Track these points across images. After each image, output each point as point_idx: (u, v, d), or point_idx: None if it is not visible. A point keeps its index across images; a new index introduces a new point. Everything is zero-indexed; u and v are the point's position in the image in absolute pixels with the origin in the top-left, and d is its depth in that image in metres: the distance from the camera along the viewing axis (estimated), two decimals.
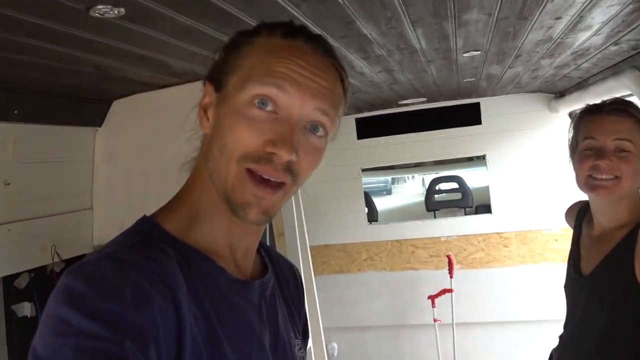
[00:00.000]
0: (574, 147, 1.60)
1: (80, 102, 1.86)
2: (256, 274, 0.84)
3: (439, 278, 3.93)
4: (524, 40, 1.88)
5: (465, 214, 4.70)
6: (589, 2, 1.41)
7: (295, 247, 2.53)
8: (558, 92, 3.71)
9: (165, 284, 0.63)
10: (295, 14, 1.28)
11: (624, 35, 1.88)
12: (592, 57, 2.36)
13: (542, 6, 1.42)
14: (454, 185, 4.86)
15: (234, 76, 0.73)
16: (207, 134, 0.76)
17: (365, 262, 4.24)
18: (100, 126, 2.05)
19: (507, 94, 3.84)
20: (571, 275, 1.67)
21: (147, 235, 0.71)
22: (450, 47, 1.88)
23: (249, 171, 0.69)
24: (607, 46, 2.09)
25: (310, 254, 3.97)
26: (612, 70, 2.49)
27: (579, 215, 1.75)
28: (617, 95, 2.42)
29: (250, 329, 0.76)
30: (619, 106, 1.47)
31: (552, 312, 3.89)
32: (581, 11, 1.50)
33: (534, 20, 1.57)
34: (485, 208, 4.23)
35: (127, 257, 0.64)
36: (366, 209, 4.29)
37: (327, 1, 1.19)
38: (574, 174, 1.57)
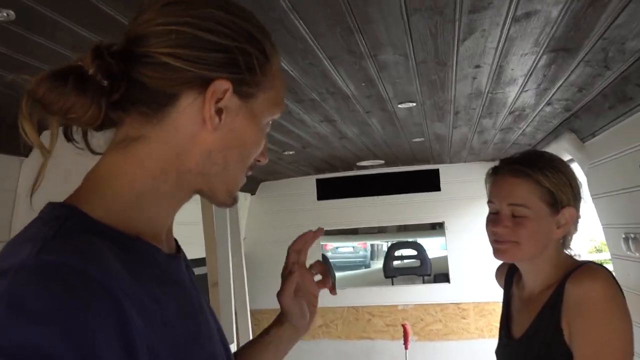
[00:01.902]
0: None
1: (4, 128, 1.81)
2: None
3: (394, 349, 3.77)
4: (455, 93, 1.91)
5: (424, 282, 4.60)
6: (502, 49, 1.44)
7: (229, 303, 2.40)
8: None
9: (108, 290, 0.56)
10: None
11: (553, 94, 1.92)
12: (532, 120, 2.41)
13: (456, 50, 1.45)
14: (413, 252, 4.79)
15: (264, 93, 0.75)
16: (206, 132, 0.71)
17: (320, 328, 4.07)
18: (27, 156, 1.99)
19: (464, 161, 3.89)
20: (502, 340, 1.58)
21: (66, 221, 0.62)
22: (381, 94, 1.90)
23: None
24: (542, 107, 2.14)
25: (262, 317, 3.85)
26: (553, 134, 2.54)
27: (509, 275, 1.69)
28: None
29: (192, 300, 0.77)
30: (518, 166, 1.41)
31: None
32: (497, 59, 1.54)
33: (453, 66, 1.60)
34: (443, 277, 4.15)
35: (51, 260, 0.55)
36: None
37: None
38: None
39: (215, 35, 0.70)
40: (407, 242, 4.84)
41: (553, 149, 2.50)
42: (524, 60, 1.55)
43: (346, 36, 1.32)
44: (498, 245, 1.42)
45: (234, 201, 0.80)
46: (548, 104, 2.07)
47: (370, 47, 1.41)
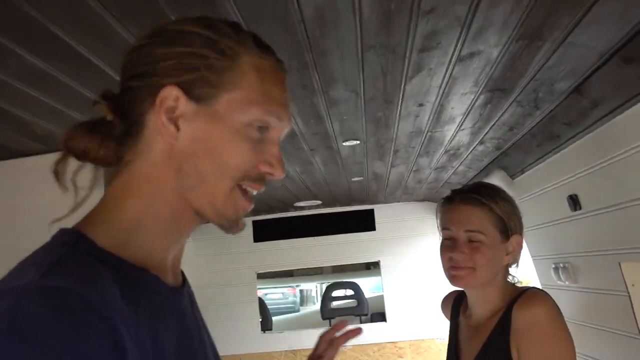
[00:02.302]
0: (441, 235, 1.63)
1: None
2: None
3: None
4: (397, 131, 2.00)
5: (361, 322, 4.61)
6: (445, 87, 1.54)
7: None
8: None
9: (106, 319, 0.56)
10: None
11: (486, 133, 2.05)
12: (464, 159, 2.54)
13: (402, 88, 1.53)
14: (350, 292, 4.81)
15: (227, 93, 0.71)
16: (172, 145, 0.71)
17: None
18: None
19: (398, 201, 4.01)
20: None
21: (72, 247, 0.63)
22: (328, 131, 1.95)
23: (240, 187, 0.71)
24: (475, 146, 2.27)
25: None
26: (484, 172, 2.69)
27: (455, 305, 1.74)
28: None
29: (191, 334, 0.75)
30: (472, 195, 1.49)
31: None
32: (440, 98, 1.63)
33: (399, 104, 1.68)
34: (380, 316, 4.18)
35: (53, 284, 0.55)
36: (260, 317, 4.09)
37: None
38: None
39: (163, 46, 0.71)
40: (344, 282, 4.85)
41: None
42: (463, 100, 1.66)
43: (302, 70, 1.36)
44: (455, 271, 1.45)
45: (228, 222, 0.72)
46: (481, 142, 2.20)
47: (323, 83, 1.46)
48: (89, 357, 0.52)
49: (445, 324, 4.05)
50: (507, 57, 1.33)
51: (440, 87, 1.53)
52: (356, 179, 2.99)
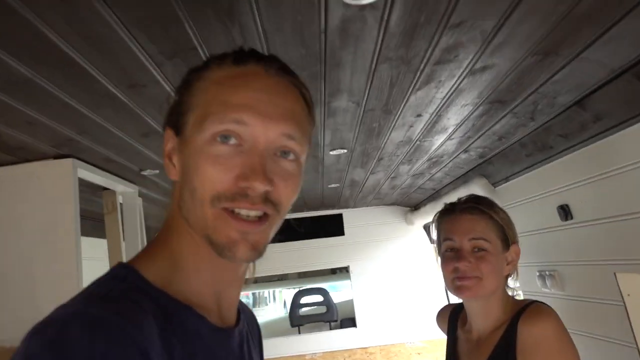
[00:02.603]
0: (438, 247, 1.60)
1: None
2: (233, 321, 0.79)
3: None
4: (387, 140, 1.95)
5: (331, 329, 4.57)
6: (447, 99, 1.50)
7: None
8: (413, 206, 3.94)
9: (139, 348, 0.56)
10: (156, 74, 1.17)
11: (473, 142, 2.04)
12: (444, 166, 2.54)
13: (406, 99, 1.48)
14: (319, 298, 4.75)
15: (190, 116, 0.70)
16: (176, 181, 0.72)
17: None
18: None
19: (367, 205, 3.99)
20: None
21: (121, 282, 0.65)
22: (318, 141, 1.88)
23: (227, 210, 0.66)
24: (458, 154, 2.26)
25: None
26: (462, 179, 2.70)
27: (452, 318, 1.72)
28: None
29: None
30: (472, 204, 1.48)
31: None
32: (439, 109, 1.59)
33: (397, 115, 1.63)
34: (350, 321, 4.14)
35: (97, 315, 0.57)
36: None
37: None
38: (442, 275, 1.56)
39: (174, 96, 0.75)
40: (313, 288, 4.79)
41: (462, 193, 2.64)
42: (461, 111, 1.63)
43: (309, 81, 1.28)
44: (461, 282, 1.43)
45: (220, 247, 0.66)
46: (465, 151, 2.20)
47: (328, 94, 1.39)
48: None
49: (416, 327, 4.08)
50: (517, 71, 1.31)
51: (444, 98, 1.50)
52: (332, 185, 2.93)
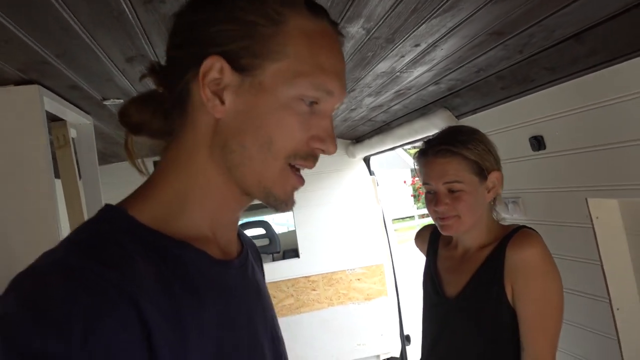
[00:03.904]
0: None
1: None
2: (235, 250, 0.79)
3: None
4: (371, 70, 1.91)
5: (274, 260, 4.63)
6: (455, 29, 1.48)
7: None
8: (355, 138, 3.97)
9: (126, 298, 0.54)
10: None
11: (449, 74, 2.05)
12: (407, 98, 2.56)
13: (417, 28, 1.44)
14: (261, 230, 4.76)
15: (273, 63, 0.65)
16: (218, 119, 0.67)
17: None
18: None
19: None
20: (432, 300, 1.67)
21: (109, 224, 0.63)
22: None
23: (292, 166, 0.68)
24: (427, 86, 2.28)
25: None
26: (419, 112, 2.74)
27: (432, 239, 1.80)
28: (426, 134, 2.66)
29: (239, 307, 0.72)
30: (444, 146, 1.53)
31: (364, 352, 4.02)
32: (440, 39, 1.57)
33: (397, 45, 1.60)
34: (293, 252, 4.22)
35: (78, 264, 0.54)
36: None
37: None
38: None
39: (203, 12, 0.66)
40: (255, 221, 4.77)
41: (422, 125, 2.70)
42: (459, 42, 1.62)
43: (336, 5, 1.20)
44: (442, 222, 1.54)
45: (278, 202, 0.70)
46: (436, 83, 2.22)
47: (346, 18, 1.31)
48: (113, 342, 0.51)
49: (357, 255, 4.25)
50: (534, 3, 1.31)
51: (453, 28, 1.47)
52: None
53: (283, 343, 0.84)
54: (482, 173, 1.54)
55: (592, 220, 1.76)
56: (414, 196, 23.35)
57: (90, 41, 1.24)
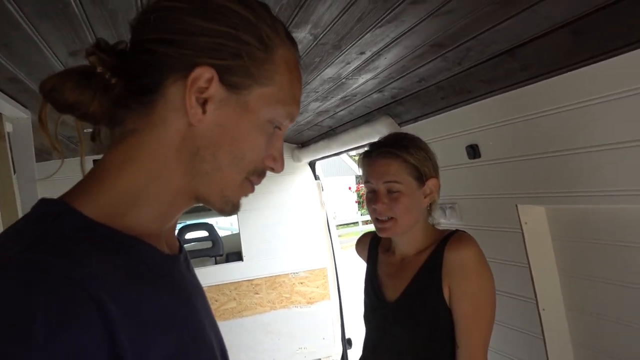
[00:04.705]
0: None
1: None
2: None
3: None
4: (318, 76, 1.96)
5: (216, 263, 4.58)
6: (398, 39, 1.55)
7: None
8: (301, 143, 4.01)
9: (89, 294, 0.53)
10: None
11: (392, 82, 2.13)
12: (352, 105, 2.62)
13: (362, 36, 1.50)
14: (204, 233, 4.70)
15: (261, 87, 0.69)
16: (191, 125, 0.68)
17: None
18: None
19: None
20: (373, 304, 1.73)
21: (55, 219, 0.60)
22: None
23: (248, 180, 0.73)
24: (372, 93, 2.35)
25: None
26: (364, 118, 2.81)
27: (372, 245, 1.86)
28: (370, 140, 2.73)
29: (190, 300, 0.73)
30: (387, 148, 1.62)
31: (305, 355, 4.05)
32: (384, 48, 1.64)
33: (343, 52, 1.65)
34: (236, 255, 4.20)
35: (34, 260, 0.53)
36: None
37: None
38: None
39: (202, 19, 0.66)
40: (199, 223, 4.69)
41: (366, 131, 2.77)
42: (402, 52, 1.69)
43: (285, 10, 1.23)
44: (380, 224, 1.61)
45: (233, 208, 0.74)
46: (380, 91, 2.29)
47: (294, 24, 1.35)
48: (77, 342, 0.51)
49: (300, 258, 4.28)
50: (471, 18, 1.39)
51: (396, 38, 1.54)
52: None
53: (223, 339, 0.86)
54: (420, 178, 1.61)
55: (521, 226, 1.87)
56: (358, 202, 23.66)
57: (33, 33, 1.22)
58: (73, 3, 1.07)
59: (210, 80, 0.66)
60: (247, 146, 0.70)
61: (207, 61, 0.65)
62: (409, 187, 1.59)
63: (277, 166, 0.75)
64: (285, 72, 0.70)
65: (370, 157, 1.65)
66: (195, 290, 0.78)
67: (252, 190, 0.75)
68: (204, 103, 0.66)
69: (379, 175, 1.59)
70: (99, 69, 0.66)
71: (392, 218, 1.59)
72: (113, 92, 0.67)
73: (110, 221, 0.64)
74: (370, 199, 1.63)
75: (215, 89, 0.66)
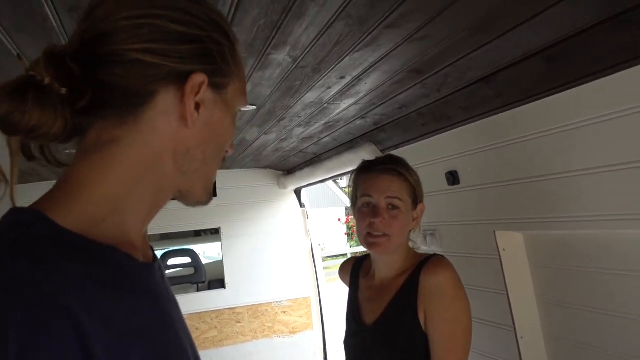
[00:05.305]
0: (354, 202, 1.71)
1: None
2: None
3: None
4: (299, 100, 1.98)
5: (198, 290, 4.50)
6: (376, 64, 1.58)
7: None
8: (287, 170, 4.02)
9: (62, 306, 0.52)
10: None
11: (374, 109, 2.16)
12: (336, 131, 2.64)
13: (340, 60, 1.52)
14: (187, 259, 4.64)
15: (234, 82, 0.74)
16: (178, 128, 0.70)
17: None
18: None
19: (242, 167, 3.98)
20: (352, 329, 1.71)
21: (28, 229, 0.58)
22: None
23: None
24: (355, 120, 2.38)
25: None
26: (348, 145, 2.84)
27: (354, 270, 1.85)
28: (353, 167, 2.75)
29: (164, 308, 0.72)
30: (390, 165, 1.64)
31: None
32: (363, 73, 1.67)
33: (324, 75, 1.67)
34: (219, 283, 4.14)
35: (4, 272, 0.52)
36: None
37: None
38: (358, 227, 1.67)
39: (186, 26, 0.68)
40: (181, 250, 4.64)
41: (349, 158, 2.79)
42: (382, 77, 1.72)
43: (264, 30, 1.26)
44: (373, 239, 1.60)
45: (210, 197, 0.79)
46: (363, 117, 2.32)
47: (272, 45, 1.37)
48: (50, 353, 0.50)
49: (284, 287, 4.24)
50: (447, 44, 1.43)
51: (374, 63, 1.57)
52: None
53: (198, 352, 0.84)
54: (415, 200, 1.63)
55: (499, 252, 1.87)
56: (348, 234, 23.58)
57: (12, 47, 1.23)
58: (51, 17, 1.08)
59: (202, 85, 0.69)
60: (226, 138, 0.77)
61: (198, 67, 0.68)
62: (406, 206, 1.61)
63: (232, 150, 0.81)
64: (241, 65, 0.77)
65: (371, 172, 1.65)
66: (170, 300, 0.77)
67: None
68: (197, 107, 0.69)
69: (382, 190, 1.58)
70: (47, 81, 0.61)
71: (385, 235, 1.58)
72: (80, 104, 0.64)
73: (86, 230, 0.63)
74: (367, 213, 1.60)
75: (206, 92, 0.70)
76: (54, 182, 0.69)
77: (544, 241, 1.84)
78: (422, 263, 1.58)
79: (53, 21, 1.11)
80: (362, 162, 1.74)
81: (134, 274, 0.68)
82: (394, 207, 1.59)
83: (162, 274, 0.80)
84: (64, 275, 0.55)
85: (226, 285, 3.95)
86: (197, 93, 0.68)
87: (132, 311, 0.63)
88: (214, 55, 0.70)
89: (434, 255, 1.62)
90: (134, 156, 0.68)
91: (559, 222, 1.62)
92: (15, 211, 0.61)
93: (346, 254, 22.60)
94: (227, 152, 0.80)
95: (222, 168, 3.36)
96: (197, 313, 3.85)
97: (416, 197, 1.64)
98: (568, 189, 1.55)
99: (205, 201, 0.79)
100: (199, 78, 0.68)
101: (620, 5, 1.15)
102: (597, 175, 1.44)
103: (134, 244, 0.70)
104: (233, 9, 1.12)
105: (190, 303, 3.92)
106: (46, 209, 0.62)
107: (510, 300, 1.88)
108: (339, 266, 2.01)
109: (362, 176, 1.67)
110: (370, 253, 1.71)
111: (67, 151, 2.05)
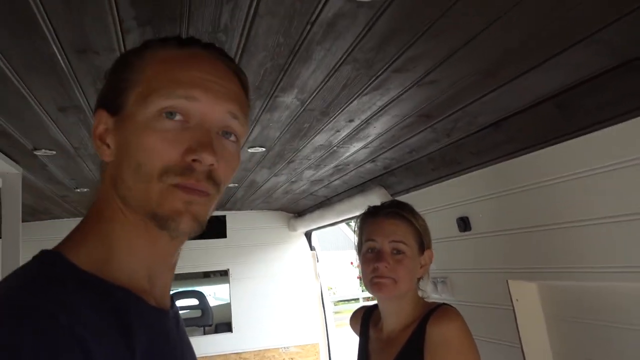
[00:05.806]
0: (359, 247, 1.67)
1: None
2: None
3: None
4: (309, 143, 1.97)
5: (205, 333, 4.41)
6: (385, 108, 1.57)
7: None
8: (298, 212, 3.99)
9: (74, 337, 0.54)
10: (116, 41, 1.06)
11: (384, 153, 2.14)
12: (346, 174, 2.62)
13: (349, 103, 1.52)
14: (194, 301, 4.57)
15: (131, 93, 0.70)
16: (108, 162, 0.72)
17: None
18: None
19: (253, 209, 3.96)
20: None
21: (49, 267, 0.62)
22: None
23: (180, 186, 0.66)
24: (365, 163, 2.36)
25: None
26: (359, 189, 2.81)
27: (364, 319, 1.79)
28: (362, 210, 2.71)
29: (172, 355, 0.72)
30: (395, 210, 1.60)
31: None
32: (372, 116, 1.66)
33: (332, 119, 1.66)
34: (226, 326, 4.05)
35: (25, 302, 0.55)
36: None
37: None
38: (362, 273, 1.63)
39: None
40: (188, 291, 4.57)
41: (360, 201, 2.76)
42: (390, 121, 1.71)
43: (271, 73, 1.26)
44: (379, 279, 1.54)
45: (167, 221, 0.66)
46: (373, 161, 2.30)
47: (280, 88, 1.37)
48: None
49: (292, 332, 4.14)
50: (455, 89, 1.42)
51: (383, 107, 1.56)
52: (230, 185, 2.86)
53: None
54: (422, 245, 1.58)
55: (512, 303, 1.80)
56: (360, 278, 23.21)
57: (22, 87, 1.24)
58: (59, 56, 1.09)
59: (99, 119, 0.71)
60: (138, 152, 0.67)
61: (99, 106, 0.73)
62: (412, 251, 1.56)
63: (200, 156, 0.65)
64: (156, 67, 0.70)
65: (376, 217, 1.61)
66: (184, 348, 0.78)
67: (187, 192, 0.66)
68: (105, 139, 0.71)
69: (386, 234, 1.54)
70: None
71: (390, 277, 1.53)
72: None
73: (100, 271, 0.65)
74: (371, 259, 1.56)
75: (107, 121, 0.71)
76: (65, 219, 0.75)
77: (559, 291, 1.77)
78: (430, 312, 1.52)
79: (61, 60, 1.12)
80: (368, 208, 1.71)
81: (145, 317, 0.68)
82: (399, 252, 1.54)
83: (178, 322, 0.79)
84: (80, 311, 0.57)
85: (233, 329, 3.86)
86: (106, 127, 0.71)
87: (140, 352, 0.63)
88: (107, 85, 0.73)
89: (443, 304, 1.56)
90: (101, 200, 0.72)
91: (574, 272, 1.56)
92: (42, 252, 0.65)
93: (358, 299, 22.20)
94: (188, 160, 0.66)
95: (232, 209, 3.35)
96: (203, 358, 3.76)
97: (423, 243, 1.59)
98: (582, 238, 1.50)
99: (181, 228, 0.67)
100: (99, 115, 0.72)
101: (633, 52, 1.13)
102: (611, 224, 1.39)
103: (144, 289, 0.71)
104: (240, 51, 1.13)
105: (196, 347, 3.79)
106: (65, 250, 0.65)
107: (525, 354, 1.79)
108: (350, 311, 1.95)
109: (367, 221, 1.64)
110: (377, 300, 1.66)
111: (78, 190, 2.04)
